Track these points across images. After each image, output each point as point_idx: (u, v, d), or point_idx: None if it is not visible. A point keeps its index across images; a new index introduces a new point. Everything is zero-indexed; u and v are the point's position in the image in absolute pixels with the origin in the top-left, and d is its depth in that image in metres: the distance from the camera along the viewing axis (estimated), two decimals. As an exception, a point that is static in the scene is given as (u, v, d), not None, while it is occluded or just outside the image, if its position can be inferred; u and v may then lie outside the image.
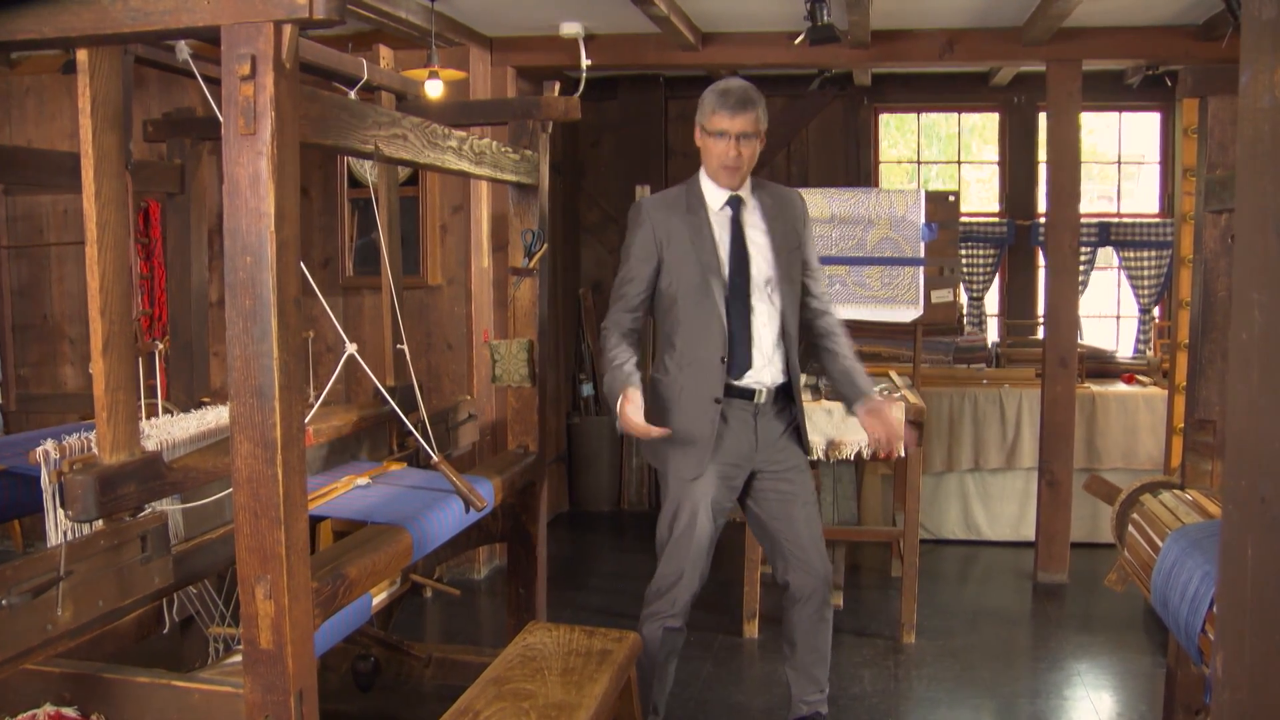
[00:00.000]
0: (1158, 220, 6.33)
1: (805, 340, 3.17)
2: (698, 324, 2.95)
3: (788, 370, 3.02)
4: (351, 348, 2.43)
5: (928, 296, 4.56)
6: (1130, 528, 2.66)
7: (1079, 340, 5.34)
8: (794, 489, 3.05)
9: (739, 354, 2.95)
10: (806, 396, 4.21)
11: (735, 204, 3.00)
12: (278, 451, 1.70)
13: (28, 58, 5.13)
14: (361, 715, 3.51)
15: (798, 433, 3.08)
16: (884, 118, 6.83)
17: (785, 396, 3.05)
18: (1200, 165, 2.72)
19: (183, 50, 2.98)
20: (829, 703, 3.19)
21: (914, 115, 6.83)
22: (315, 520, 2.84)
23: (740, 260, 2.97)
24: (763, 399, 2.99)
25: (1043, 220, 5.87)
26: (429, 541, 2.47)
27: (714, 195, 3.00)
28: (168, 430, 2.31)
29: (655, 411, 2.95)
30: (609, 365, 2.95)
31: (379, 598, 2.76)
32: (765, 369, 2.98)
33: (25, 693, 1.99)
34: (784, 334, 3.00)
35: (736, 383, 2.96)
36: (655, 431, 2.82)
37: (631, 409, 2.80)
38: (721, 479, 2.99)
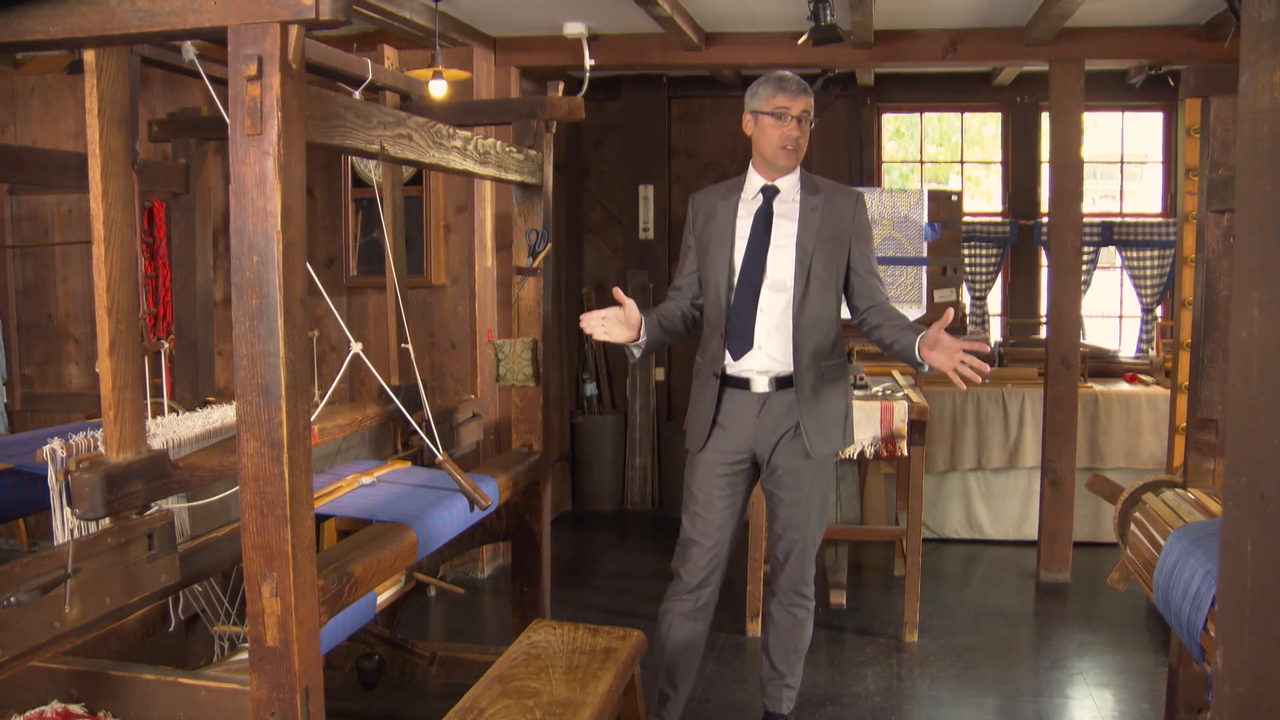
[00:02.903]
0: (1160, 220, 6.33)
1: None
2: (713, 303, 3.05)
3: (812, 361, 2.99)
4: (357, 347, 2.44)
5: (930, 296, 4.56)
6: (1132, 526, 2.67)
7: (1082, 340, 5.33)
8: (793, 480, 3.04)
9: (737, 335, 2.99)
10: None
11: (769, 193, 3.05)
12: (284, 450, 1.71)
13: (33, 58, 5.15)
14: (366, 713, 3.52)
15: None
16: (887, 117, 6.83)
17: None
18: (1202, 165, 2.73)
19: (189, 50, 2.99)
20: (832, 701, 3.20)
21: (917, 115, 6.84)
22: (320, 519, 2.85)
23: (759, 245, 3.00)
24: (765, 389, 3.00)
25: (1045, 220, 5.87)
26: (433, 540, 2.48)
27: (752, 184, 3.08)
28: (173, 429, 2.32)
29: (693, 388, 3.14)
30: None
31: (383, 596, 2.77)
32: (767, 357, 2.99)
33: (33, 689, 2.00)
34: (799, 327, 2.97)
35: (736, 367, 3.00)
36: (596, 315, 2.81)
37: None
38: (725, 463, 3.04)
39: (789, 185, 3.06)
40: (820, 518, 3.12)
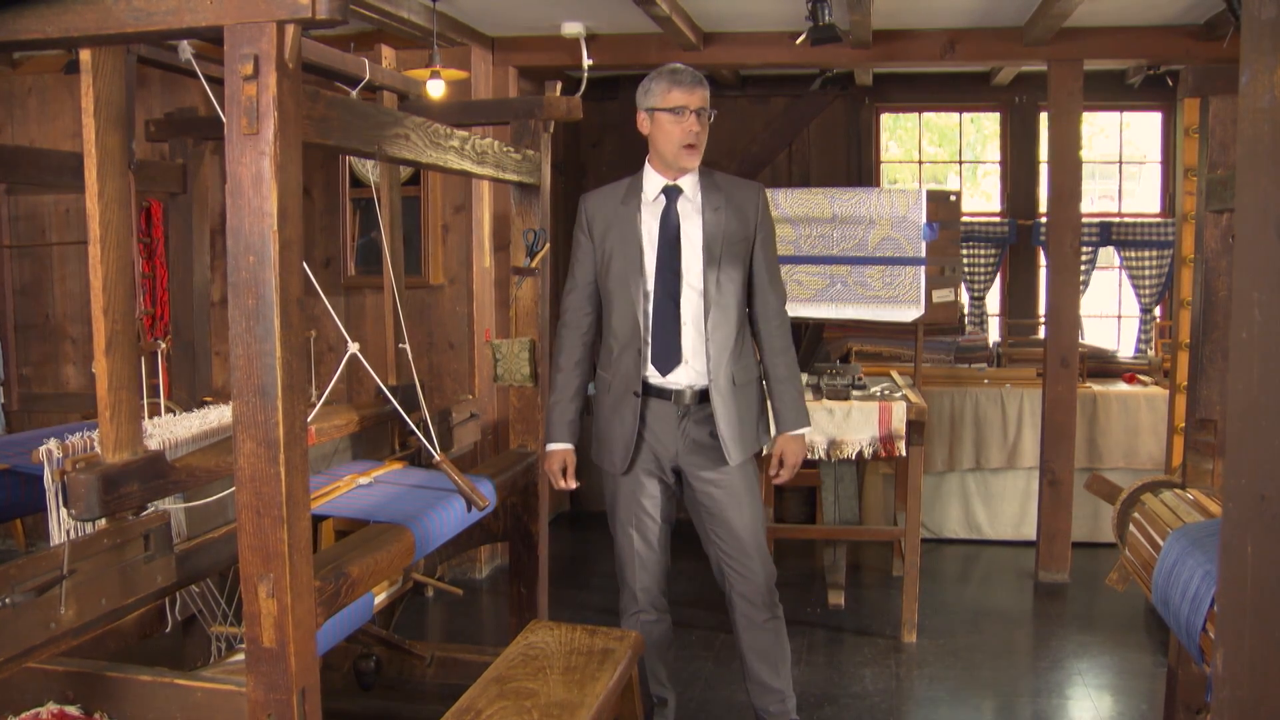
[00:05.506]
0: (1159, 220, 6.34)
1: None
2: (624, 317, 2.91)
3: (724, 368, 2.89)
4: (354, 347, 2.44)
5: (929, 296, 4.56)
6: (1131, 527, 2.66)
7: (1080, 340, 5.34)
8: (726, 493, 2.94)
9: (663, 349, 2.87)
10: (808, 396, 4.21)
11: (671, 193, 2.89)
12: (280, 450, 1.70)
13: (30, 58, 5.15)
14: (363, 714, 3.51)
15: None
16: (885, 117, 6.83)
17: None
18: (1201, 165, 2.73)
19: (185, 50, 2.98)
20: (830, 702, 3.19)
21: (915, 115, 6.84)
22: (317, 519, 2.84)
23: (670, 252, 2.86)
24: (687, 399, 2.90)
25: (1044, 220, 5.87)
26: (431, 540, 2.48)
27: (652, 185, 2.91)
28: (170, 429, 2.31)
29: (596, 404, 3.07)
30: (553, 390, 3.06)
31: (381, 597, 2.76)
32: (693, 371, 2.89)
33: (28, 691, 2.00)
34: (711, 336, 2.86)
35: (660, 380, 2.90)
36: (564, 485, 3.03)
37: (555, 464, 3.01)
38: (652, 476, 2.98)
39: (691, 184, 2.90)
40: (761, 523, 3.02)
